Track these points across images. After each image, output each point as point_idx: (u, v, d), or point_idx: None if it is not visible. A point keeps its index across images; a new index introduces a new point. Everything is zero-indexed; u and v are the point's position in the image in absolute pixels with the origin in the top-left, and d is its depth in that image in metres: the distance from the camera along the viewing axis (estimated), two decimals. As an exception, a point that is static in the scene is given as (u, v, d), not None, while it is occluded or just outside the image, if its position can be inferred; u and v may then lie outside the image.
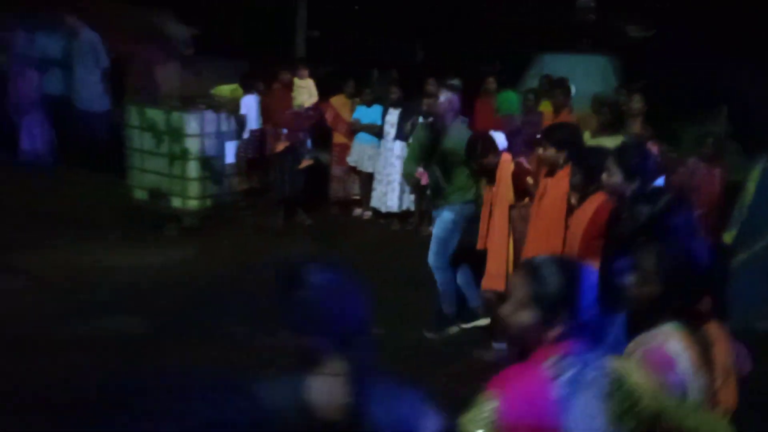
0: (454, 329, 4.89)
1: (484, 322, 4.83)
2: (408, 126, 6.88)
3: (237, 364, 4.16)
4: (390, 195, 7.22)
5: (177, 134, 6.85)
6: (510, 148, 4.60)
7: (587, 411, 1.62)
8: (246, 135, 7.47)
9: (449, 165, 4.78)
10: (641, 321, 2.05)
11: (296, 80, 7.72)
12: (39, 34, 8.47)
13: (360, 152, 7.49)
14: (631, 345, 2.03)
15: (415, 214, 7.26)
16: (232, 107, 7.36)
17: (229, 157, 7.22)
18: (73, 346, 4.31)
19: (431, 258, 4.86)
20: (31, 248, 5.91)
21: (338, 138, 7.74)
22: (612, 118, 5.38)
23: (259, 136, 7.57)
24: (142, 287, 5.37)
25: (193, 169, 6.88)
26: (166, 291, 5.32)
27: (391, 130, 7.17)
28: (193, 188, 6.92)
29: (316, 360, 1.51)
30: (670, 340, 1.95)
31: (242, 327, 4.70)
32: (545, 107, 6.85)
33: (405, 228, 7.28)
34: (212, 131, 7.00)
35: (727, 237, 4.96)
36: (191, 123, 6.83)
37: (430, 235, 5.06)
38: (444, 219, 4.84)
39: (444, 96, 4.84)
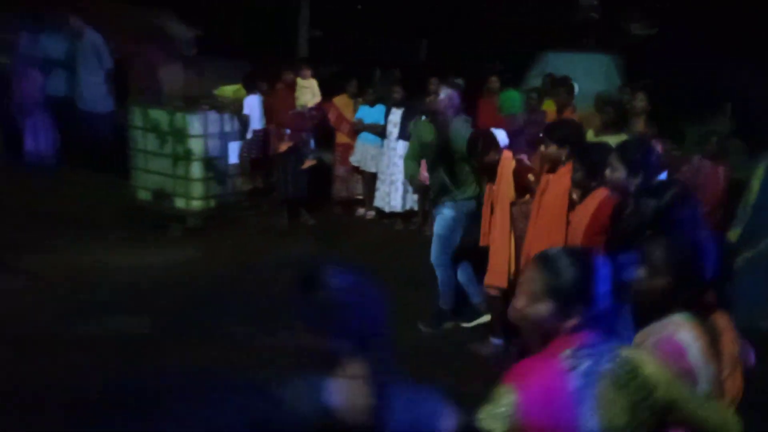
0: (449, 324, 4.94)
1: (486, 318, 4.85)
2: (411, 125, 6.87)
3: (238, 364, 4.16)
4: (393, 195, 7.22)
5: (180, 135, 6.86)
6: (511, 146, 4.61)
7: (603, 402, 1.64)
8: (249, 135, 7.48)
9: (449, 162, 4.79)
10: (648, 313, 2.07)
11: (299, 80, 7.71)
12: (43, 36, 8.49)
13: (363, 152, 7.49)
14: (639, 335, 2.05)
15: (419, 213, 7.26)
16: (235, 108, 7.38)
17: (233, 157, 7.23)
18: (74, 346, 4.33)
19: (433, 256, 4.90)
20: (35, 249, 5.92)
21: (341, 138, 7.74)
22: (615, 117, 5.37)
23: (262, 136, 7.58)
24: (146, 287, 5.37)
25: (196, 169, 6.89)
26: (169, 291, 5.33)
27: (394, 129, 7.17)
28: (197, 189, 6.93)
29: (336, 362, 1.52)
30: (681, 330, 1.97)
31: (245, 327, 4.71)
32: (548, 106, 6.84)
33: (408, 228, 7.28)
34: (215, 132, 7.01)
35: (732, 235, 4.95)
36: (194, 123, 6.84)
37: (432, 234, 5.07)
38: (445, 217, 4.85)
39: (444, 93, 4.85)
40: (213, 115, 7.00)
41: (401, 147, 7.07)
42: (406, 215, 7.32)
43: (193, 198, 6.94)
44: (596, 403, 1.63)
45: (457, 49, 13.04)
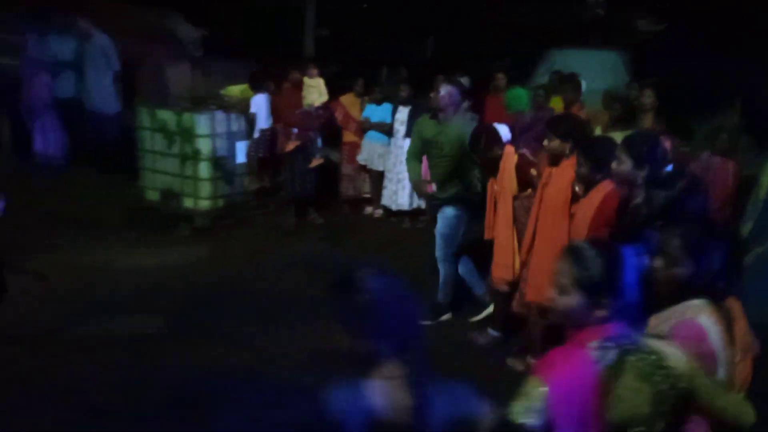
0: (447, 317, 5.00)
1: (490, 309, 4.90)
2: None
3: (248, 363, 4.18)
4: (400, 193, 7.22)
5: (188, 135, 6.89)
6: (516, 142, 4.63)
7: (629, 392, 1.68)
8: (256, 134, 7.49)
9: (451, 159, 4.80)
10: (663, 301, 2.11)
11: (306, 79, 7.73)
12: (51, 37, 8.53)
13: (370, 151, 7.49)
14: (654, 319, 2.10)
15: (426, 212, 7.25)
16: (242, 107, 7.40)
17: (240, 157, 7.25)
18: (84, 345, 4.36)
19: (438, 252, 4.97)
20: (44, 249, 5.96)
21: (348, 137, 7.74)
22: (623, 114, 5.36)
23: (269, 135, 7.60)
24: (155, 287, 5.40)
25: (204, 169, 6.92)
26: (178, 291, 5.35)
27: (401, 128, 7.16)
28: (205, 188, 6.96)
29: (375, 363, 1.56)
30: (702, 314, 2.02)
31: (255, 327, 4.72)
32: (555, 103, 6.82)
33: (416, 226, 7.28)
34: (223, 131, 7.03)
35: (743, 231, 4.92)
36: (202, 123, 6.87)
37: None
38: (448, 215, 4.90)
39: (444, 90, 4.86)
40: (220, 115, 7.03)
41: (408, 145, 7.07)
42: (414, 213, 7.32)
43: (201, 198, 6.97)
44: (622, 394, 1.68)
45: (463, 46, 13.03)
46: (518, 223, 4.33)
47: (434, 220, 5.02)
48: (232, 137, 7.12)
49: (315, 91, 7.73)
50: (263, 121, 7.49)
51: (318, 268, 5.71)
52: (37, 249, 5.89)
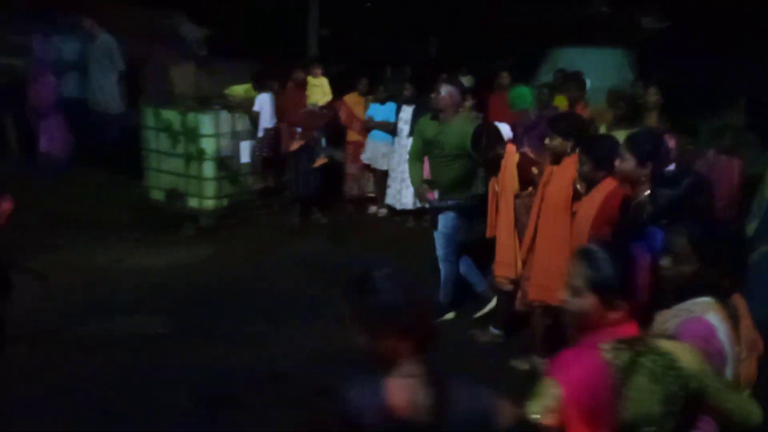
0: (449, 316, 5.00)
1: (492, 305, 4.91)
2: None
3: (248, 363, 4.18)
4: (404, 192, 7.22)
5: (193, 135, 6.90)
6: (520, 141, 4.63)
7: (640, 393, 1.70)
8: (260, 134, 7.50)
9: (452, 159, 4.80)
10: (669, 298, 2.13)
11: (310, 79, 7.72)
12: (56, 38, 8.56)
13: (374, 150, 7.50)
14: (660, 316, 2.10)
15: (430, 223, 7.25)
16: (246, 107, 7.40)
17: (244, 156, 7.26)
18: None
19: (439, 251, 5.00)
20: (49, 249, 5.98)
21: (352, 136, 7.75)
22: (628, 112, 5.35)
23: (273, 134, 7.60)
24: (160, 287, 5.41)
25: (208, 169, 6.93)
26: (182, 290, 5.37)
27: (404, 127, 7.16)
28: (209, 188, 6.97)
29: (393, 363, 1.56)
30: (710, 311, 2.03)
31: (259, 326, 4.73)
32: (560, 102, 6.80)
33: (420, 225, 7.28)
34: (227, 131, 7.05)
35: (748, 230, 4.90)
36: (206, 123, 6.88)
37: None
38: (449, 216, 4.93)
39: (444, 90, 4.86)
40: (224, 115, 7.04)
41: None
42: (418, 212, 7.32)
43: (206, 197, 6.98)
44: (634, 394, 1.69)
45: (467, 45, 13.00)
46: (519, 222, 4.34)
47: (435, 226, 5.02)
48: (236, 137, 7.13)
49: (319, 91, 7.72)
50: (267, 121, 7.49)
51: (321, 268, 5.72)
52: (42, 248, 5.91)
